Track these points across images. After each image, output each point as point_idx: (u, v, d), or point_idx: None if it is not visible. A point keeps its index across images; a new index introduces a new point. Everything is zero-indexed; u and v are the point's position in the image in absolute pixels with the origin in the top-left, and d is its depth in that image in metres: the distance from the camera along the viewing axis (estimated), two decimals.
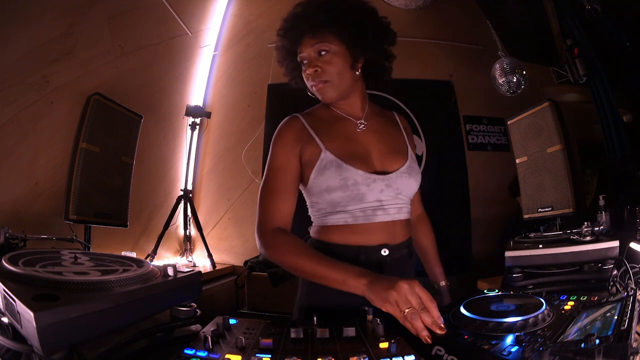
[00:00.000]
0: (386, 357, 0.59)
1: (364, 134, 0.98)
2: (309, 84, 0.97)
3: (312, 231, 1.00)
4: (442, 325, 0.65)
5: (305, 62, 0.95)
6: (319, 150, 0.92)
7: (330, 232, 0.93)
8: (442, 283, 1.16)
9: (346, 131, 0.98)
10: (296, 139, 0.95)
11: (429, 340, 0.63)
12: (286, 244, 0.86)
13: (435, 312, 0.66)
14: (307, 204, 1.02)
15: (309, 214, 1.03)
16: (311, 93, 1.02)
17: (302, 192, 1.00)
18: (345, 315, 0.73)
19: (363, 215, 0.90)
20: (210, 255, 2.74)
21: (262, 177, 0.96)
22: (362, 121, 1.00)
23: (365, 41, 0.94)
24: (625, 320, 0.62)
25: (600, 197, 1.61)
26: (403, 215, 0.95)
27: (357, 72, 0.97)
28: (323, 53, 0.92)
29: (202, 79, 3.25)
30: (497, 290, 0.94)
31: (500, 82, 2.66)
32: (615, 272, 0.98)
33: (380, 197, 0.90)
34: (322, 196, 0.92)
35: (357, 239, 0.90)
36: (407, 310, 0.65)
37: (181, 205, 2.72)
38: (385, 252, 0.88)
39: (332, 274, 0.77)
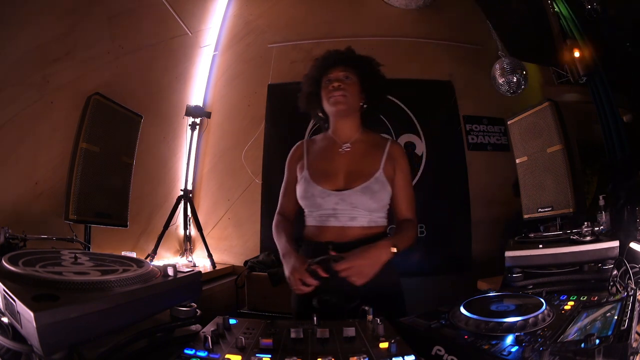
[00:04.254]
0: (386, 357, 0.59)
1: (343, 155, 1.28)
2: (331, 95, 1.26)
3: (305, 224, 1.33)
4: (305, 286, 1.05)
5: (332, 81, 1.28)
6: (303, 168, 1.30)
7: (305, 228, 1.30)
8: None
9: (329, 153, 1.31)
10: (295, 160, 1.35)
11: (298, 290, 1.06)
12: (278, 224, 1.30)
13: (297, 283, 1.06)
14: None
15: None
16: (318, 118, 1.39)
17: None
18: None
19: (320, 220, 1.24)
20: (210, 255, 2.74)
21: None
22: (348, 145, 1.30)
23: (371, 84, 1.31)
24: (625, 320, 0.62)
25: (600, 197, 1.61)
26: (356, 223, 1.21)
27: (360, 103, 1.31)
28: (347, 78, 1.28)
29: (202, 79, 3.25)
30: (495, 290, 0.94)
31: (500, 82, 2.67)
32: (615, 272, 0.98)
33: (335, 207, 1.20)
34: (300, 202, 1.29)
35: (314, 235, 1.25)
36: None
37: (181, 205, 2.72)
38: (330, 247, 1.12)
39: (280, 250, 1.20)
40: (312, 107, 1.37)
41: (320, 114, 1.37)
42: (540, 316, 0.73)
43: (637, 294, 0.76)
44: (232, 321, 0.76)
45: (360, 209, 1.20)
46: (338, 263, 1.03)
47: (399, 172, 1.27)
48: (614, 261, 1.07)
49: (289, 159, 1.36)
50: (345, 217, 1.20)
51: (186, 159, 2.97)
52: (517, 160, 2.31)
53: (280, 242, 1.23)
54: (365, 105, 1.32)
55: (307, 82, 1.36)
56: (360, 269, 1.04)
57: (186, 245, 2.84)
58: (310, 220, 1.27)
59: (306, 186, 1.24)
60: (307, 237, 1.28)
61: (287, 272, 1.12)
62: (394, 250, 1.12)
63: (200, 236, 2.74)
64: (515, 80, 2.61)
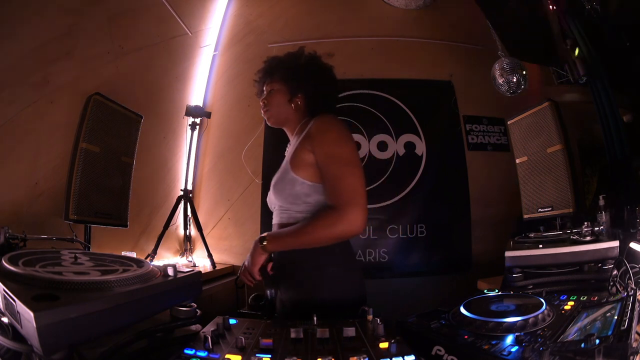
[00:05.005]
0: (386, 357, 0.59)
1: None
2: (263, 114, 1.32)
3: None
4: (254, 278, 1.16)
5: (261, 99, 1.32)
6: None
7: None
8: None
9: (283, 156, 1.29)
10: None
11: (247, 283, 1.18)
12: None
13: (247, 277, 1.19)
14: None
15: None
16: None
17: None
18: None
19: None
20: (210, 255, 2.74)
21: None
22: (289, 145, 1.32)
23: (295, 80, 1.28)
24: (625, 320, 0.62)
25: (600, 197, 1.60)
26: (276, 220, 1.22)
27: (292, 105, 1.28)
28: (271, 92, 1.30)
29: (202, 79, 3.24)
30: (497, 290, 0.94)
31: (500, 82, 2.66)
32: (615, 272, 0.98)
33: (272, 209, 1.26)
34: None
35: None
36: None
37: (181, 205, 2.72)
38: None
39: None
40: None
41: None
42: (540, 316, 0.73)
43: (637, 294, 0.76)
44: (232, 321, 0.76)
45: (278, 205, 1.19)
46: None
47: (317, 149, 1.07)
48: (614, 261, 1.07)
49: None
50: (276, 215, 1.23)
51: (186, 159, 2.96)
52: (517, 160, 2.31)
53: None
54: (303, 99, 1.27)
55: (258, 97, 1.39)
56: (246, 269, 1.14)
57: (186, 245, 2.83)
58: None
59: None
60: None
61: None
62: (261, 245, 1.06)
63: (200, 236, 2.74)
64: (515, 80, 2.61)
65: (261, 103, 1.33)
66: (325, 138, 1.07)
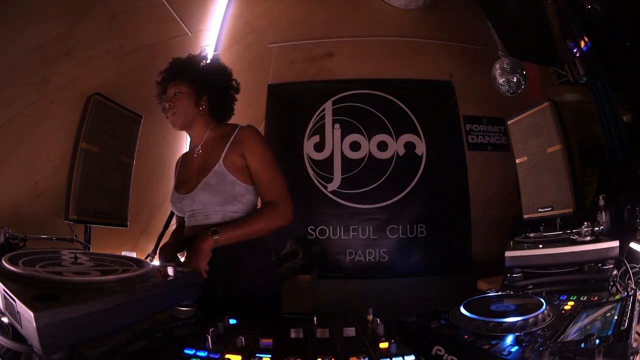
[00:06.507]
0: (386, 357, 0.59)
1: (195, 159, 1.32)
2: (166, 116, 1.32)
3: None
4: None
5: (164, 100, 1.32)
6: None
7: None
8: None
9: (188, 160, 1.36)
10: (174, 173, 1.42)
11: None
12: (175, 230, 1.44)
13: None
14: None
15: None
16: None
17: None
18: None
19: (187, 221, 1.30)
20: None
21: None
22: (199, 148, 1.33)
23: (201, 85, 1.31)
24: (625, 320, 0.62)
25: (600, 197, 1.60)
26: (211, 220, 1.22)
27: (199, 107, 1.31)
28: (176, 94, 1.29)
29: None
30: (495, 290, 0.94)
31: (500, 82, 2.66)
32: (615, 272, 0.98)
33: (192, 209, 1.26)
34: (172, 209, 1.36)
35: (187, 233, 1.28)
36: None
37: None
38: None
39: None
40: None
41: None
42: (540, 316, 0.73)
43: (637, 294, 0.76)
44: (232, 321, 0.76)
45: (209, 205, 1.22)
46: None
47: (249, 156, 1.24)
48: (614, 261, 1.07)
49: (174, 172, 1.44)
50: (200, 216, 1.24)
51: None
52: (517, 160, 2.31)
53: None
54: (206, 104, 1.33)
55: (158, 99, 1.37)
56: (193, 262, 1.10)
57: None
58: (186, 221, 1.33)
59: (171, 195, 1.33)
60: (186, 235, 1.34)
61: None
62: (216, 237, 1.12)
63: None
64: (515, 80, 2.60)
65: (166, 105, 1.30)
66: (258, 146, 1.26)
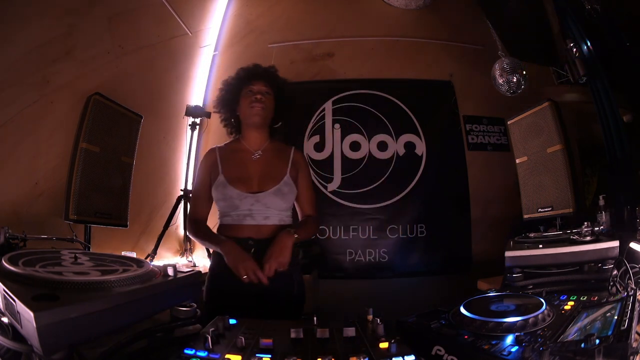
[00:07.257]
0: (386, 357, 0.59)
1: (256, 161, 1.42)
2: (253, 106, 1.39)
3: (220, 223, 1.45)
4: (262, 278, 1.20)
5: (255, 92, 1.40)
6: (218, 174, 1.39)
7: (222, 227, 1.40)
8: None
9: (242, 159, 1.43)
10: (208, 167, 1.43)
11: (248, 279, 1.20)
12: (199, 226, 1.40)
13: (252, 276, 1.20)
14: None
15: None
16: (229, 122, 1.50)
17: None
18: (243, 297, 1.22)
19: (237, 219, 1.36)
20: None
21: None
22: (259, 152, 1.44)
23: (283, 103, 1.47)
24: (625, 320, 0.62)
25: (600, 197, 1.60)
26: (270, 221, 1.36)
27: (272, 116, 1.45)
28: (267, 94, 1.42)
29: (202, 79, 3.24)
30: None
31: (500, 82, 2.66)
32: (615, 272, 0.98)
33: (250, 208, 1.35)
34: (217, 204, 1.40)
35: (233, 233, 1.35)
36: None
37: (181, 205, 2.72)
38: (250, 242, 1.32)
39: (210, 244, 1.36)
40: (227, 112, 1.48)
41: (232, 120, 1.49)
42: (540, 316, 0.73)
43: (637, 294, 0.76)
44: (232, 321, 0.76)
45: (272, 209, 1.36)
46: (265, 264, 1.22)
47: (301, 176, 1.45)
48: (614, 261, 1.07)
49: (202, 166, 1.46)
50: (260, 217, 1.35)
51: (186, 159, 2.97)
52: (517, 160, 2.31)
53: (212, 237, 1.36)
54: (275, 120, 1.48)
55: (228, 89, 1.46)
56: (278, 258, 1.23)
57: (186, 245, 2.83)
58: (227, 220, 1.38)
59: (223, 189, 1.36)
60: (223, 234, 1.39)
61: (234, 260, 1.23)
62: (296, 235, 1.29)
63: None
64: (515, 80, 2.60)
65: (258, 97, 1.39)
66: (307, 170, 1.51)
